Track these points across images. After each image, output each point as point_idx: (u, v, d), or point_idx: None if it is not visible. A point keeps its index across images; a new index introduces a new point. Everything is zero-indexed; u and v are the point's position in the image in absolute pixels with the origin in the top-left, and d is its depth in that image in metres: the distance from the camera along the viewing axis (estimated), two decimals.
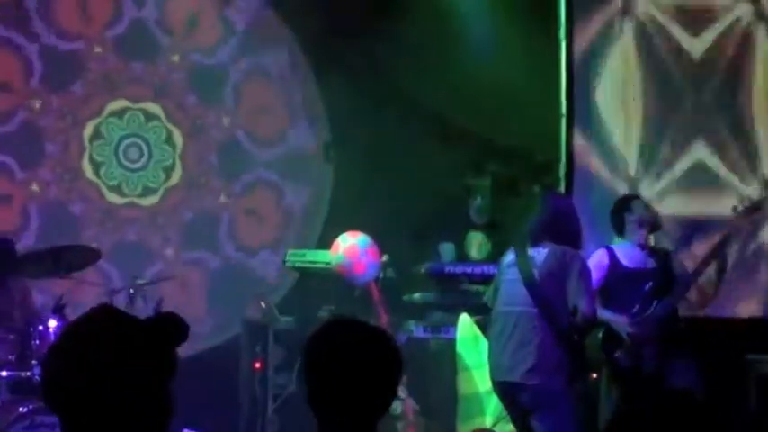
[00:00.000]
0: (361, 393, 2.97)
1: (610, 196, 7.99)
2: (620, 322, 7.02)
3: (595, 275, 6.91)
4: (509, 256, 6.61)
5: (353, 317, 3.19)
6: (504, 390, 6.51)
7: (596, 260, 7.17)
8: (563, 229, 6.52)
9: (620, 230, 7.36)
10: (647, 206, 7.46)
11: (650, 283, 7.13)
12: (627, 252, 7.27)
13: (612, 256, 7.24)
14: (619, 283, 7.17)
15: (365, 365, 2.98)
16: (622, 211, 7.36)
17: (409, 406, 8.07)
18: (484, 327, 7.25)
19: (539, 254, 6.45)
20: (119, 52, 9.60)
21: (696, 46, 8.25)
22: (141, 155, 9.73)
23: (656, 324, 7.03)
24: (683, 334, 7.13)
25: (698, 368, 7.03)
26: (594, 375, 7.18)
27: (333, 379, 2.97)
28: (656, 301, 7.10)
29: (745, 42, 8.16)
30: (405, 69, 8.99)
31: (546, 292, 6.36)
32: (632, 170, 8.38)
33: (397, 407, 8.01)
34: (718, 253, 7.19)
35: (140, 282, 8.13)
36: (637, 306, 7.09)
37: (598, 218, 7.85)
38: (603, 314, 6.89)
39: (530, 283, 6.37)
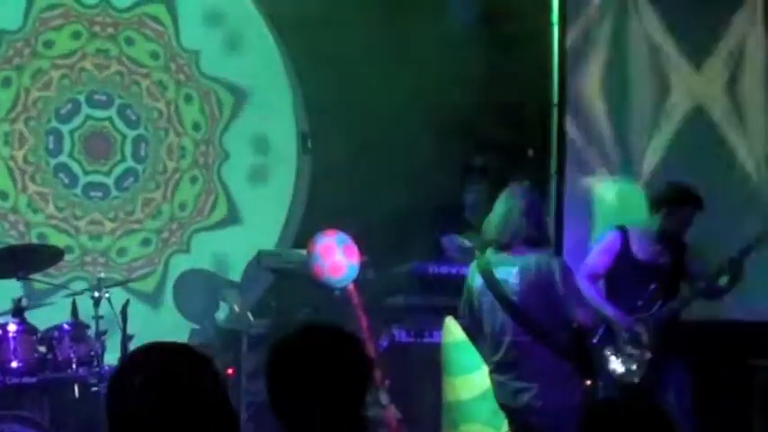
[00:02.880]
0: (325, 400, 2.96)
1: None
2: (618, 322, 6.83)
3: (604, 259, 6.87)
4: (477, 280, 6.28)
5: (323, 322, 3.17)
6: (515, 414, 6.31)
7: (607, 244, 7.02)
8: (535, 230, 6.20)
9: (655, 210, 7.06)
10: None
11: (657, 282, 6.88)
12: (641, 240, 7.01)
13: (625, 241, 7.01)
14: (626, 272, 6.97)
15: (328, 372, 2.96)
16: (676, 202, 6.99)
17: (391, 414, 7.85)
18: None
19: (510, 275, 6.12)
20: None
21: None
22: None
23: (655, 328, 6.79)
24: (679, 343, 6.82)
25: (692, 379, 6.84)
26: (589, 382, 6.87)
27: (295, 385, 2.97)
28: (660, 302, 6.83)
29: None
30: (388, 57, 8.72)
31: (532, 317, 6.09)
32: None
33: (378, 414, 7.78)
34: (736, 261, 6.86)
35: (106, 284, 7.82)
36: (641, 301, 6.87)
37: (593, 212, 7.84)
38: (605, 309, 6.76)
39: (512, 313, 6.11)
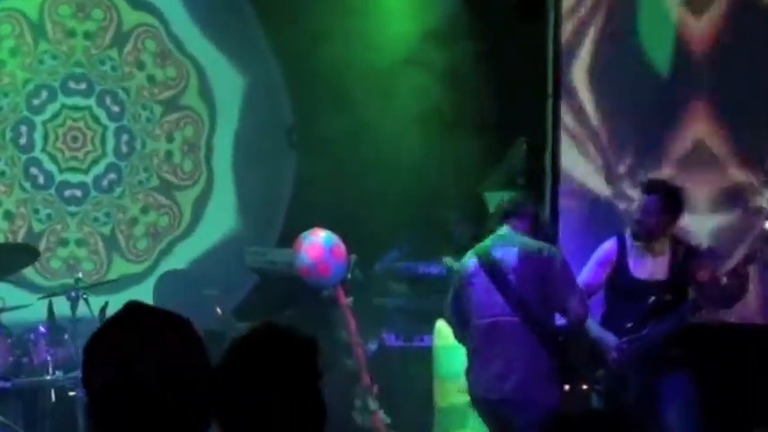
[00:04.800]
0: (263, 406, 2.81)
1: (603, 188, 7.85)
2: (606, 343, 6.48)
3: (597, 272, 6.55)
4: (470, 261, 6.23)
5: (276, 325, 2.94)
6: (491, 408, 6.22)
7: (602, 255, 6.63)
8: (530, 228, 6.26)
9: None
10: None
11: (652, 299, 6.47)
12: (640, 251, 6.58)
13: (622, 253, 6.59)
14: (619, 289, 6.60)
15: (266, 378, 2.83)
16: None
17: (379, 420, 7.80)
18: None
19: (508, 254, 6.10)
20: None
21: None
22: None
23: (645, 349, 6.44)
24: (676, 361, 6.49)
25: (694, 402, 6.45)
26: (585, 387, 6.77)
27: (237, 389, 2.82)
28: (653, 321, 6.46)
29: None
30: (377, 48, 8.57)
31: (525, 298, 6.04)
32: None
33: (366, 420, 7.79)
34: (741, 268, 6.56)
35: (83, 284, 7.70)
36: (630, 323, 6.49)
37: (589, 211, 7.83)
38: (592, 329, 6.46)
39: (505, 290, 6.06)
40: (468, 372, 6.30)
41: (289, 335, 2.88)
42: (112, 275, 8.87)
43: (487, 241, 6.26)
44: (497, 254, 6.14)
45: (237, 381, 2.81)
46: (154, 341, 2.46)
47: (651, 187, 6.61)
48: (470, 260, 6.24)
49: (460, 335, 6.42)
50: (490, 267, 6.12)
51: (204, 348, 2.58)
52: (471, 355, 6.29)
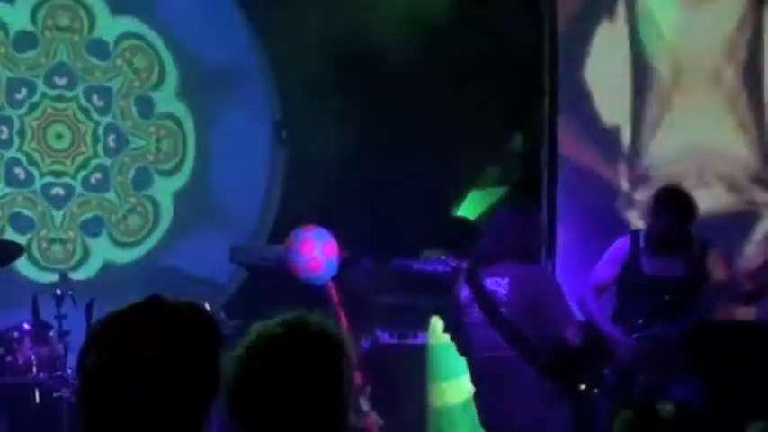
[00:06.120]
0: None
1: (601, 186, 7.85)
2: (617, 340, 6.54)
3: (609, 269, 6.61)
4: (464, 292, 6.21)
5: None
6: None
7: (613, 252, 6.68)
8: (524, 248, 6.19)
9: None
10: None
11: (668, 296, 6.50)
12: (652, 248, 6.60)
13: (635, 250, 6.63)
14: (630, 285, 6.62)
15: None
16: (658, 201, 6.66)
17: (372, 421, 7.67)
18: None
19: (500, 285, 6.05)
20: None
21: None
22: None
23: (655, 346, 6.48)
24: (687, 362, 6.50)
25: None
26: (583, 387, 6.64)
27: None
28: (665, 319, 6.49)
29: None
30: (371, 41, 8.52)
31: (520, 332, 6.00)
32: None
33: (358, 422, 7.62)
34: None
35: (70, 281, 7.62)
36: (641, 320, 6.53)
37: (587, 212, 7.78)
38: (604, 326, 6.54)
39: (499, 326, 6.03)
40: (475, 399, 6.32)
41: (324, 334, 2.85)
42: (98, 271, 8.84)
43: (479, 268, 6.19)
44: (490, 284, 6.08)
45: (266, 384, 2.75)
46: (165, 333, 2.40)
47: (662, 195, 6.64)
48: (463, 291, 6.20)
49: (463, 357, 6.45)
50: (482, 301, 6.08)
51: (216, 349, 2.51)
52: (475, 384, 6.31)
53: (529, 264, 6.16)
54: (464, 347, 6.34)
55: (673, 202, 6.58)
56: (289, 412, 2.74)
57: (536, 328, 5.97)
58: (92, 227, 8.95)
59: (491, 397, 6.15)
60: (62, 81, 8.79)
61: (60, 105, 8.81)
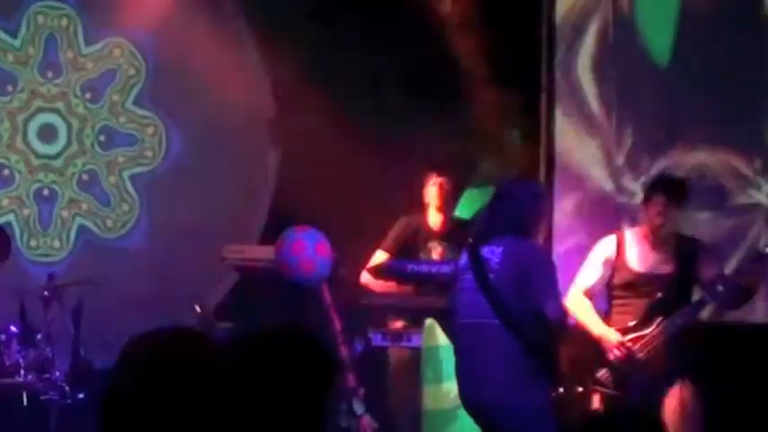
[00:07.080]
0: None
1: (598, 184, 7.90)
2: (609, 341, 6.49)
3: (595, 271, 6.57)
4: (463, 259, 6.21)
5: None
6: (477, 412, 6.19)
7: (600, 254, 6.63)
8: (522, 221, 6.09)
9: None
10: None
11: (658, 294, 6.45)
12: (641, 245, 6.55)
13: (620, 250, 6.59)
14: (620, 284, 6.58)
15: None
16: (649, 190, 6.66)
17: (366, 424, 7.64)
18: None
19: (493, 254, 6.04)
20: None
21: None
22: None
23: (653, 348, 6.43)
24: (687, 361, 6.39)
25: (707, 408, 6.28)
26: (581, 389, 6.72)
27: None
28: (659, 319, 6.42)
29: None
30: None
31: (506, 300, 5.95)
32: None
33: (352, 425, 7.61)
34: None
35: (58, 283, 7.68)
36: (633, 322, 6.47)
37: (583, 205, 7.89)
38: (593, 328, 6.52)
39: (486, 292, 5.98)
40: (456, 372, 6.28)
41: (315, 347, 2.84)
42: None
43: (481, 237, 6.16)
44: (485, 252, 6.06)
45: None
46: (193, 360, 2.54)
47: (655, 184, 6.64)
48: (464, 256, 6.19)
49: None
50: (476, 266, 6.05)
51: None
52: (456, 356, 6.28)
53: (526, 239, 6.06)
54: (454, 314, 6.33)
55: (661, 182, 6.64)
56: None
57: (520, 298, 5.93)
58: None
59: (469, 366, 6.09)
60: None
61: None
